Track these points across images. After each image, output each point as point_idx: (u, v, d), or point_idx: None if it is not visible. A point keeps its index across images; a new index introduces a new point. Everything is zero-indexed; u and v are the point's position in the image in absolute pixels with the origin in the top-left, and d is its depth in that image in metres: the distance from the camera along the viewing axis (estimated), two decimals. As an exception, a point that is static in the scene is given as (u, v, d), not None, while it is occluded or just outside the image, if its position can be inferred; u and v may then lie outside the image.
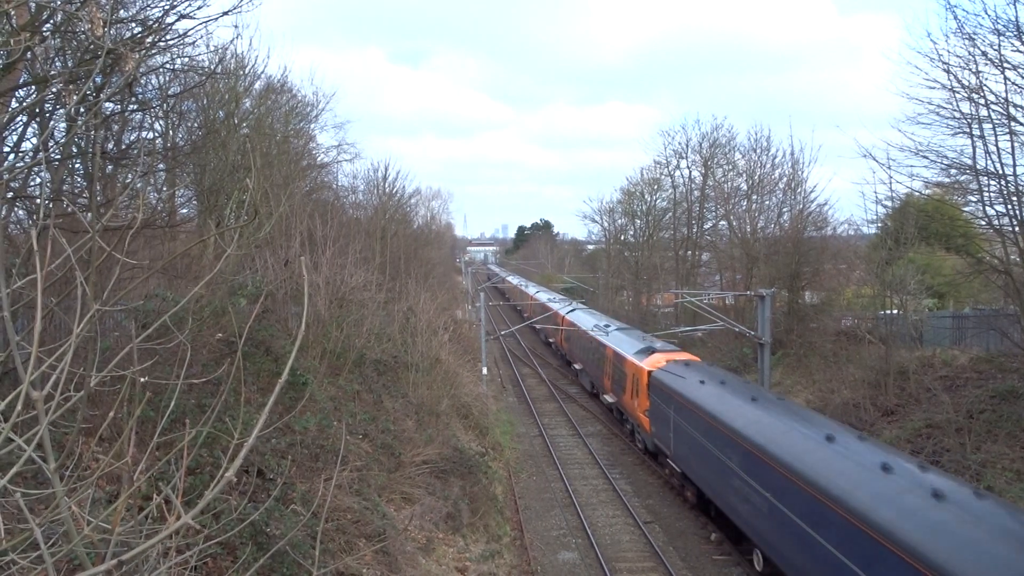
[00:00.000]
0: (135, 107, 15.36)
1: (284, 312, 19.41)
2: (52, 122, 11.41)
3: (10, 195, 10.12)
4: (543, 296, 64.40)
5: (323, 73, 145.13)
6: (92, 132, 10.88)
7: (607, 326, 38.44)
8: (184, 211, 21.98)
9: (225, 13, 10.47)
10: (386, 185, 42.65)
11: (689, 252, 56.69)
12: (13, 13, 8.11)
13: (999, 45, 21.89)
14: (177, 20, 10.81)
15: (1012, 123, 22.46)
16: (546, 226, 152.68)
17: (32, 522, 3.07)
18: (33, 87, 10.70)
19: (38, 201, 11.09)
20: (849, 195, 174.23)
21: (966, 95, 23.35)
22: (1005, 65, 21.99)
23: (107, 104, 13.32)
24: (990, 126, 23.11)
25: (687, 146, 56.72)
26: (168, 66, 15.44)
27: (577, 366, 45.72)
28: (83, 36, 9.81)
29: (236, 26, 20.15)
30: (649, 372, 27.94)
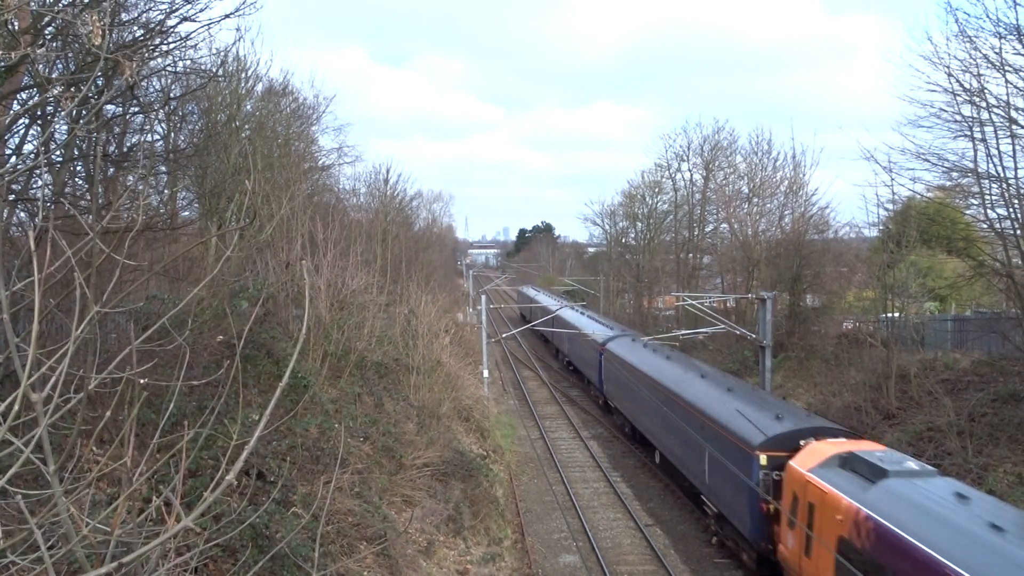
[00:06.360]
0: (136, 110, 15.39)
1: (285, 315, 19.38)
2: (53, 125, 11.43)
3: (12, 197, 10.14)
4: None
5: (317, 74, 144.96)
6: (93, 135, 10.89)
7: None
8: (185, 213, 22.00)
9: (227, 16, 10.51)
10: (387, 188, 42.68)
11: (690, 255, 56.66)
12: (14, 18, 8.13)
13: (1000, 48, 21.90)
14: (179, 23, 10.85)
15: (1013, 126, 22.46)
16: (547, 229, 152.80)
17: (32, 523, 3.07)
18: (35, 90, 10.72)
19: (39, 203, 11.10)
20: (851, 198, 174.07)
21: (967, 98, 23.37)
22: (1006, 68, 22.00)
23: (108, 107, 13.35)
24: (991, 129, 23.12)
25: (688, 149, 56.77)
26: (170, 68, 15.45)
27: None
28: (84, 40, 9.83)
29: (238, 29, 20.24)
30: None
